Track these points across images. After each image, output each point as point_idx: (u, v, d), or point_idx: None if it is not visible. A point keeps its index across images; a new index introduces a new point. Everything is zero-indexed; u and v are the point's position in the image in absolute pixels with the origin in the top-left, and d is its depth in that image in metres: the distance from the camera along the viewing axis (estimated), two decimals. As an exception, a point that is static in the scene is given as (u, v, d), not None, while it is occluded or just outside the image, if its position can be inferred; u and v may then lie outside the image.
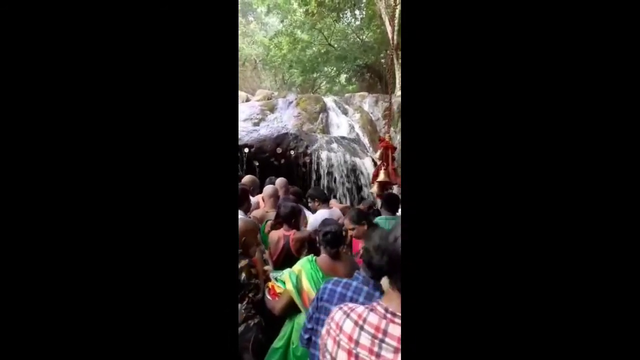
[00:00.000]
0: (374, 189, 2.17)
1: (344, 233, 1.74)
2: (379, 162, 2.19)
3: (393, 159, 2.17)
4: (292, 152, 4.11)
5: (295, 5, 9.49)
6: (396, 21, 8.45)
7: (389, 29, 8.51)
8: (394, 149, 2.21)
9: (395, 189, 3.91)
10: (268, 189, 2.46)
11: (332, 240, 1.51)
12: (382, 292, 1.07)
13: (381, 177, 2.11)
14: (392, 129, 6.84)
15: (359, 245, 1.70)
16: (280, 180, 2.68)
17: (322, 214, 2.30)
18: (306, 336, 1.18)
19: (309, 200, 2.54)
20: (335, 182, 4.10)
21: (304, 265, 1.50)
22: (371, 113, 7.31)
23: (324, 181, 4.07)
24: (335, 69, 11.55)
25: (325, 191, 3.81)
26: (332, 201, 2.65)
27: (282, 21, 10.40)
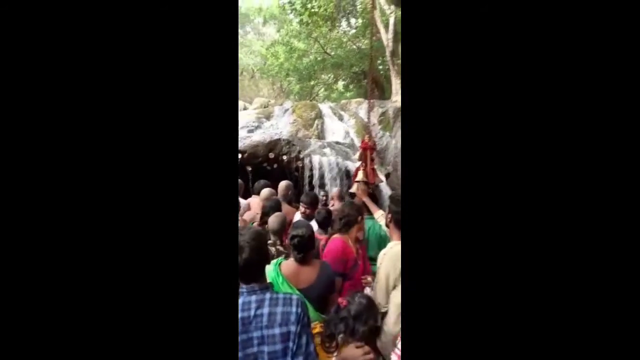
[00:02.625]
0: (354, 188, 2.25)
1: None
2: (359, 163, 2.28)
3: (372, 159, 2.25)
4: (284, 157, 4.21)
5: (291, 16, 9.75)
6: (390, 29, 8.63)
7: (383, 36, 8.70)
8: (373, 150, 2.29)
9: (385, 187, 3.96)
10: (265, 192, 2.52)
11: (298, 244, 1.44)
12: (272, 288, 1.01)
13: (359, 176, 2.20)
14: (387, 133, 6.93)
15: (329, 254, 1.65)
16: (283, 184, 2.76)
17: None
18: None
19: (302, 206, 2.48)
20: (327, 185, 4.19)
21: (268, 268, 1.45)
22: (366, 119, 7.44)
23: (316, 184, 4.15)
24: (332, 76, 11.75)
25: (319, 194, 3.90)
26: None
27: (278, 31, 10.65)
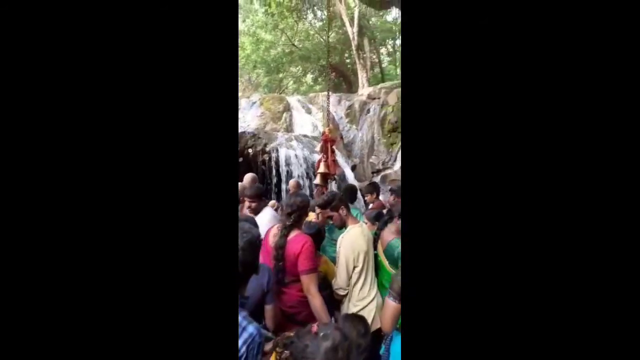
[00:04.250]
0: (317, 179, 2.34)
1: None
2: (320, 155, 2.36)
3: (332, 151, 2.34)
4: (250, 151, 4.19)
5: (257, 6, 9.51)
6: (355, 22, 8.74)
7: (349, 29, 8.78)
8: (333, 142, 2.39)
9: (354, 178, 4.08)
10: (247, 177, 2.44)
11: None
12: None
13: (321, 169, 2.28)
14: (353, 126, 7.10)
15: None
16: (248, 176, 2.72)
17: (267, 215, 2.05)
18: None
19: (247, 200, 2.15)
20: (293, 177, 4.24)
21: None
22: (334, 112, 7.53)
23: (283, 177, 4.19)
24: (301, 69, 11.67)
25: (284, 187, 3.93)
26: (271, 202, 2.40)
27: (243, 21, 10.33)
